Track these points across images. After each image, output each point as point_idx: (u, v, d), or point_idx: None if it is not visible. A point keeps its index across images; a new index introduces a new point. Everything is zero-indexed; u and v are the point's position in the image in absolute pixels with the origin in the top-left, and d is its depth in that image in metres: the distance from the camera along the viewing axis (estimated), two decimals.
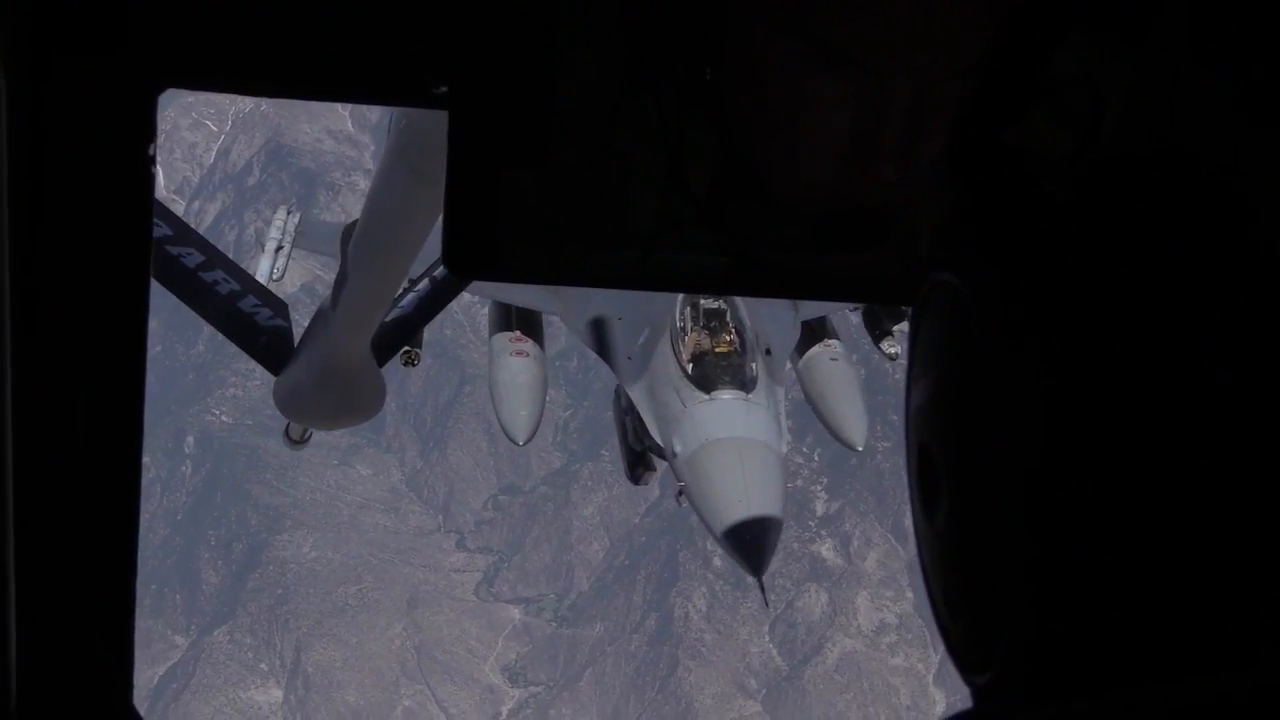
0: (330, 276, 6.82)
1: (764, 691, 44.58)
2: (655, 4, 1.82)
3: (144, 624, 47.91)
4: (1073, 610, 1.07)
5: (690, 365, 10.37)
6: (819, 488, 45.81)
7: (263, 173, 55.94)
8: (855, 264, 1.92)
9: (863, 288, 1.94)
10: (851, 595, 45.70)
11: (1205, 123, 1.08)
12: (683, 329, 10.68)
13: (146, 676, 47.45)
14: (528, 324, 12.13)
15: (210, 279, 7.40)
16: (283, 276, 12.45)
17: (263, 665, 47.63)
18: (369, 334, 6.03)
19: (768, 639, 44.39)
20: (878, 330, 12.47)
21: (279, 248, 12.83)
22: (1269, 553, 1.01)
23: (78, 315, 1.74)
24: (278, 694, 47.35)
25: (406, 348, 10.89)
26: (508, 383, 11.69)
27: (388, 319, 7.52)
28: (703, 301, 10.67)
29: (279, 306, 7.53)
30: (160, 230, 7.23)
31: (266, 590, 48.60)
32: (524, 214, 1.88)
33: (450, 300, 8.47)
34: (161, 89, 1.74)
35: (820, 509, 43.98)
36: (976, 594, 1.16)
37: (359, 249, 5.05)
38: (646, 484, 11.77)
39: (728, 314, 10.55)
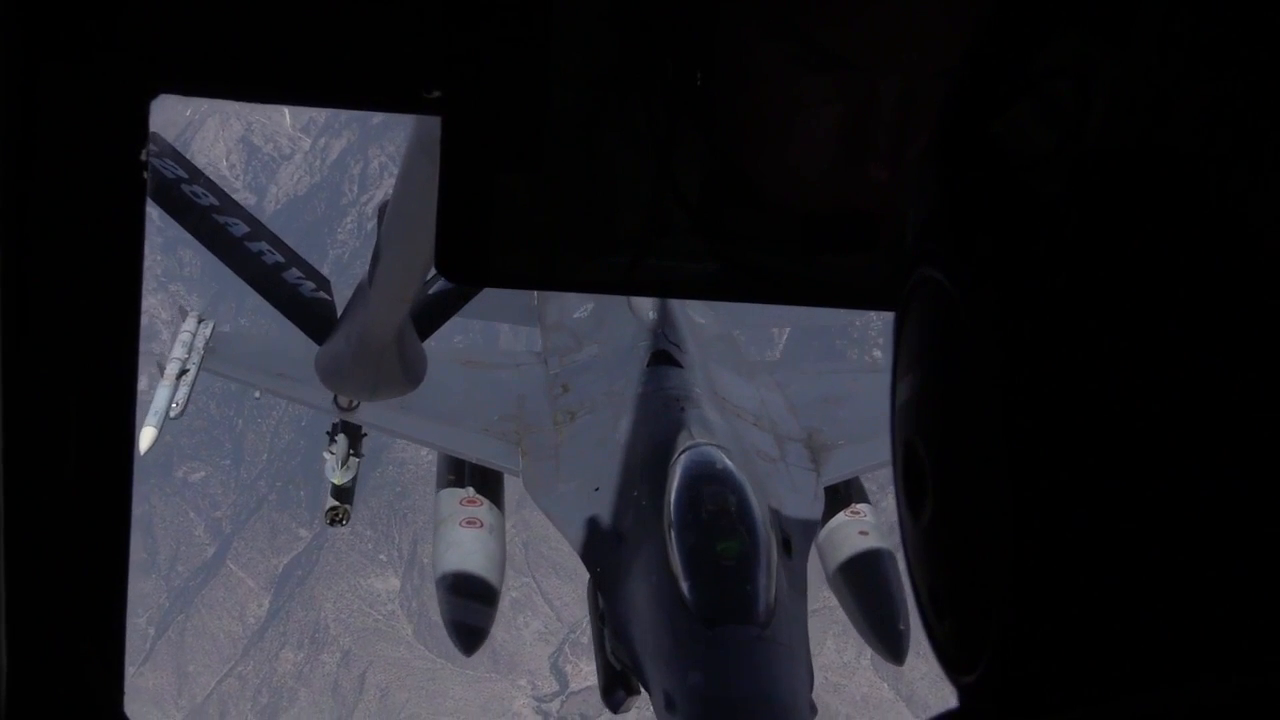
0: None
1: None
2: (646, 9, 1.82)
3: (270, 517, 51.51)
4: (1060, 610, 1.03)
5: (686, 582, 7.73)
6: None
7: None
8: (847, 269, 1.92)
9: (854, 293, 1.95)
10: None
11: (1193, 117, 1.00)
12: (677, 523, 7.99)
13: (272, 565, 50.57)
14: (485, 480, 9.70)
15: (255, 249, 7.46)
16: (183, 412, 9.22)
17: (381, 556, 49.91)
18: (406, 308, 5.90)
19: None
20: None
21: (182, 372, 9.49)
22: (1264, 554, 0.95)
23: (70, 321, 1.71)
24: (395, 582, 49.56)
25: (335, 505, 10.13)
26: (456, 563, 9.22)
27: (432, 291, 7.31)
28: (704, 493, 8.12)
29: (322, 282, 7.56)
30: (207, 200, 7.44)
31: (386, 488, 50.44)
32: (516, 219, 1.88)
33: None
34: (154, 94, 1.71)
35: None
36: (963, 592, 1.13)
37: (390, 226, 4.99)
38: (627, 710, 8.81)
39: (733, 506, 8.07)
